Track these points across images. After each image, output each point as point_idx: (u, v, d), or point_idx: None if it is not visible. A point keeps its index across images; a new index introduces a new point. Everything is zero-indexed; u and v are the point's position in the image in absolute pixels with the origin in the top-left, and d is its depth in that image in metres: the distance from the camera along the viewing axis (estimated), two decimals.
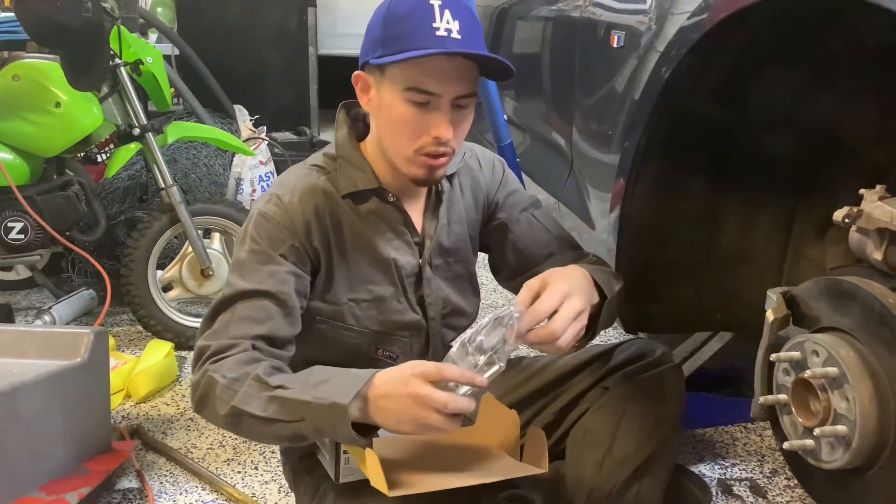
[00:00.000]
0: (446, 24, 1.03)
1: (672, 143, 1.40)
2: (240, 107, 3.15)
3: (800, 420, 1.03)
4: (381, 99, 1.09)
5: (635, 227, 1.48)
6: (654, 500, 1.21)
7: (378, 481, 0.98)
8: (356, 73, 1.13)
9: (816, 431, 0.98)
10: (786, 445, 1.04)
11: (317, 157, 1.22)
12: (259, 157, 2.66)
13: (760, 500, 1.56)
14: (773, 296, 1.11)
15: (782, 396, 1.06)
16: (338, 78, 4.65)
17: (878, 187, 0.99)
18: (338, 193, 1.17)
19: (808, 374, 1.00)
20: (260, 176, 2.65)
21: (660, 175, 1.44)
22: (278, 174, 2.81)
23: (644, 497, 1.19)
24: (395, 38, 1.04)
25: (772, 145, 1.35)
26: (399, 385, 0.94)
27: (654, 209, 1.47)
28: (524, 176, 2.20)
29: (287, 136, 3.79)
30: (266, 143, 2.77)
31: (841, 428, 0.96)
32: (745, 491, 1.59)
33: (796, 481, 1.58)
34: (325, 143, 4.17)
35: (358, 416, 0.96)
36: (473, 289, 1.33)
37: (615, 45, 1.57)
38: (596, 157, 1.74)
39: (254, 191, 2.61)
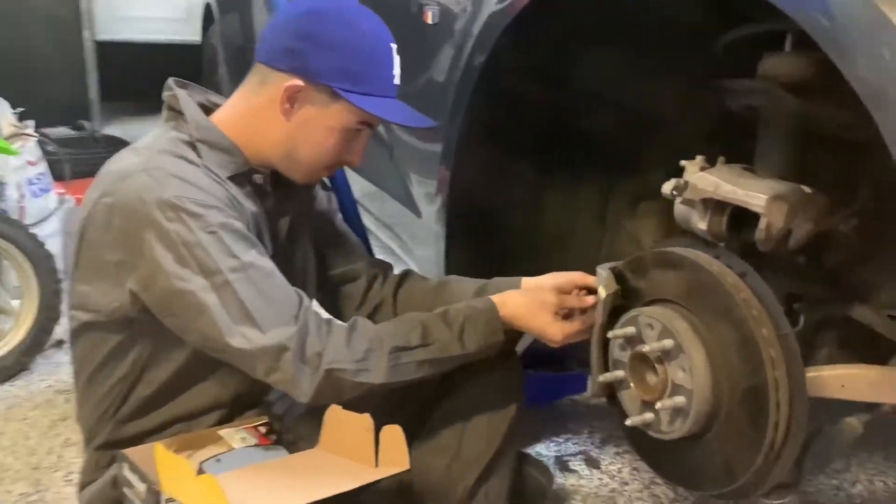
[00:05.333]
0: (397, 70, 1.10)
1: (495, 125, 1.38)
2: (0, 99, 2.72)
3: (639, 394, 1.04)
4: (320, 118, 1.08)
5: (463, 213, 1.45)
6: (503, 497, 1.20)
7: None
8: (297, 82, 1.05)
9: (657, 405, 0.98)
10: (628, 422, 1.04)
11: (165, 142, 1.05)
12: (26, 156, 2.30)
13: (595, 471, 1.61)
14: (603, 272, 1.11)
15: (620, 373, 1.07)
16: (121, 66, 4.24)
17: (698, 158, 1.01)
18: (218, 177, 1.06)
19: (645, 348, 1.00)
20: (29, 179, 2.29)
21: (484, 159, 1.42)
22: (53, 174, 2.46)
23: (493, 496, 1.17)
24: (365, 77, 1.07)
25: (590, 124, 1.37)
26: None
27: (479, 194, 1.45)
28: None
29: (63, 131, 3.39)
30: (36, 140, 2.40)
31: (679, 399, 0.97)
32: (581, 464, 1.63)
33: (625, 447, 1.65)
34: (110, 138, 3.75)
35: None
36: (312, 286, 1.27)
37: (430, 21, 1.51)
38: (417, 144, 1.68)
39: (22, 196, 2.24)
